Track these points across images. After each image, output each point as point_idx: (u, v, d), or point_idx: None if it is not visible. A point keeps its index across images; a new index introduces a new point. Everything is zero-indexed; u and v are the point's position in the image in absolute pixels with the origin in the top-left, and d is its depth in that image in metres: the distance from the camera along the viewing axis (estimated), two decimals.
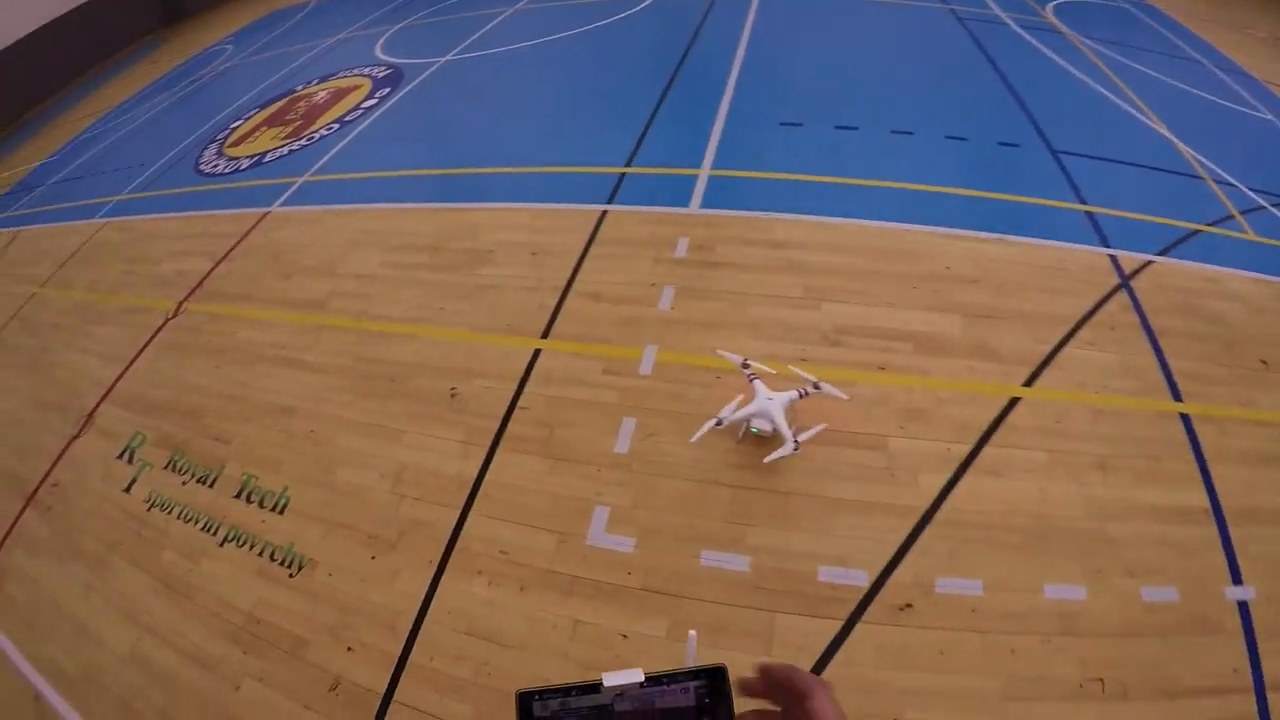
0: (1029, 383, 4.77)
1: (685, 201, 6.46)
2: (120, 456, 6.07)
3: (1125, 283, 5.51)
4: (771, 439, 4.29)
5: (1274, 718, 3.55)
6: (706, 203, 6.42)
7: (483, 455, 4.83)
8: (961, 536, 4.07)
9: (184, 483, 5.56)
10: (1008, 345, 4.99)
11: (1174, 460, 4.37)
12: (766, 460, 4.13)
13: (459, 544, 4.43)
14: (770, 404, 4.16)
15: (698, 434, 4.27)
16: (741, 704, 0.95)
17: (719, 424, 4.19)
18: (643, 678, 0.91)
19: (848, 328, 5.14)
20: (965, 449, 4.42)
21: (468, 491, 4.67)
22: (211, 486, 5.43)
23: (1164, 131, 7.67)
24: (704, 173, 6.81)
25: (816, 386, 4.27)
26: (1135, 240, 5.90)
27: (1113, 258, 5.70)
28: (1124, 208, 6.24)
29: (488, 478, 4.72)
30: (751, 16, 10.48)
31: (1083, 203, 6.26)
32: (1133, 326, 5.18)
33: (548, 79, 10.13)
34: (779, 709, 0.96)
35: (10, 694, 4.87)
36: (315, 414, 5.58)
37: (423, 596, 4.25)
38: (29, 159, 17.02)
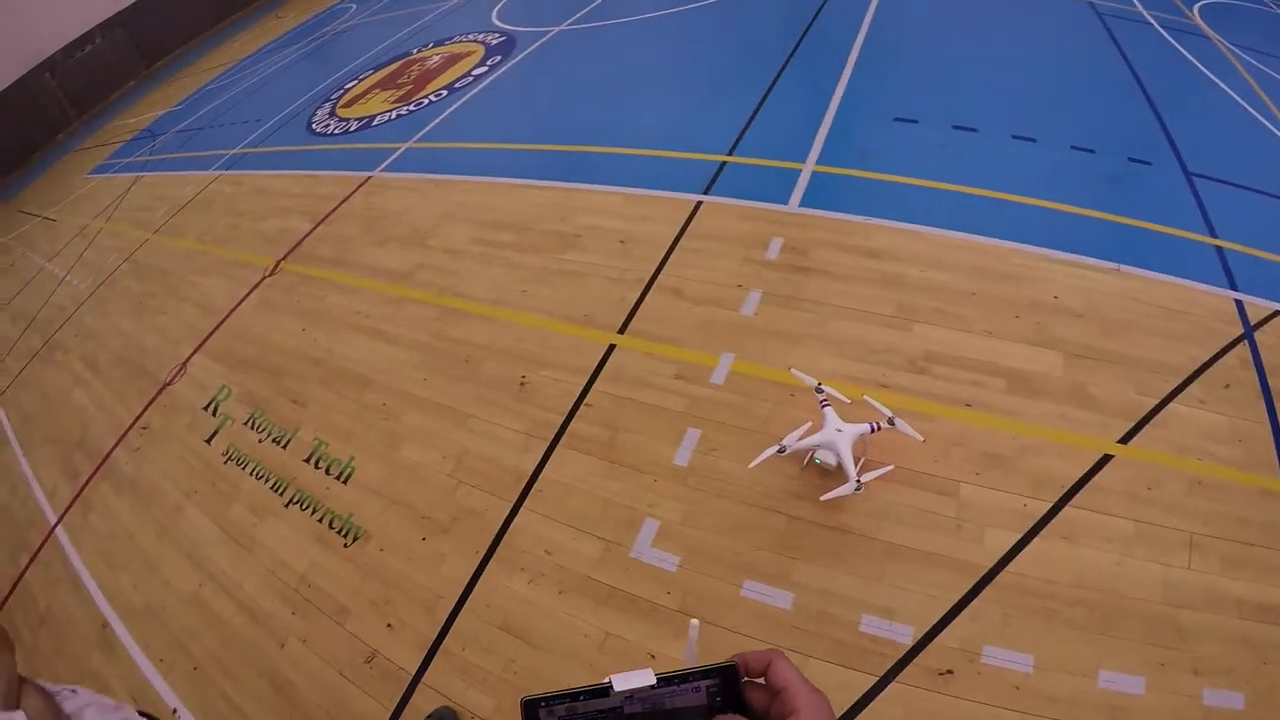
0: (1125, 439, 4.27)
1: (784, 198, 6.11)
2: (206, 408, 6.26)
3: (1249, 333, 4.91)
4: (835, 473, 3.98)
5: None
6: (807, 201, 6.05)
7: (543, 450, 4.70)
8: (1020, 604, 3.69)
9: (260, 440, 5.69)
10: (1108, 393, 4.50)
11: (1269, 548, 3.85)
12: (825, 498, 3.81)
13: (506, 538, 4.33)
14: (839, 437, 3.84)
15: (758, 459, 3.96)
16: None
17: (781, 451, 3.88)
18: (654, 679, 0.90)
19: (938, 355, 4.74)
20: (1043, 506, 3.99)
21: (523, 485, 4.55)
22: (285, 448, 5.52)
23: None
24: (808, 168, 6.44)
25: (891, 422, 3.91)
26: (1267, 285, 5.25)
27: (1238, 303, 5.09)
28: (1259, 245, 5.59)
29: (544, 474, 4.58)
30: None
31: (1213, 235, 5.63)
32: (1250, 385, 4.57)
33: (659, 54, 9.84)
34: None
35: (82, 620, 5.13)
36: (389, 387, 5.58)
37: (465, 585, 4.18)
38: (155, 107, 17.89)
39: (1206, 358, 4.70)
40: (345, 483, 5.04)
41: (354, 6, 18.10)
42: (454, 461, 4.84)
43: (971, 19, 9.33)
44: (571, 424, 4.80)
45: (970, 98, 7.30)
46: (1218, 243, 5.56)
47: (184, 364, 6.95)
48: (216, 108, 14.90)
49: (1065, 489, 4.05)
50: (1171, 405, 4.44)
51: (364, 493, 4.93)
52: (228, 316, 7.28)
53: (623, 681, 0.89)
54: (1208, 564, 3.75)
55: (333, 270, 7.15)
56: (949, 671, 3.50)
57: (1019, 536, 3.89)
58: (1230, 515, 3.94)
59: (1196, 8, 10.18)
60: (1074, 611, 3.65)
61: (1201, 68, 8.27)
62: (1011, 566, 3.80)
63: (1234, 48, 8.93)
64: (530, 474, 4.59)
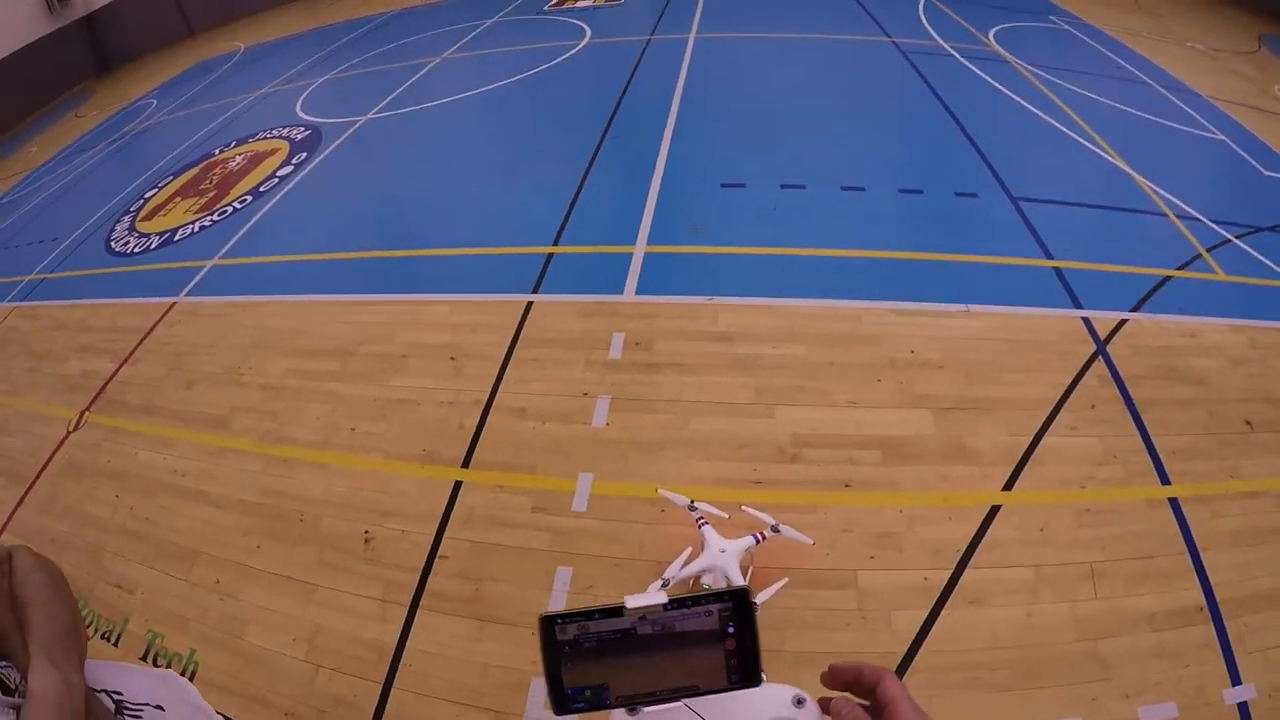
0: (1009, 485, 4.31)
1: (619, 287, 5.90)
2: None
3: (1101, 349, 5.10)
4: None
5: None
6: (643, 287, 5.86)
7: (402, 617, 4.25)
8: (943, 681, 3.62)
9: (89, 637, 4.92)
10: (983, 442, 4.52)
11: (1165, 555, 4.02)
12: None
13: None
14: (723, 558, 3.60)
15: (639, 601, 3.67)
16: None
17: (665, 585, 3.62)
18: (665, 599, 0.92)
19: (807, 437, 4.61)
20: (944, 576, 3.94)
21: (388, 662, 4.08)
22: (116, 645, 4.81)
23: (1121, 164, 7.33)
24: (639, 250, 6.26)
25: (776, 529, 3.75)
26: (1107, 296, 5.50)
27: (1086, 320, 5.29)
28: (1091, 258, 5.85)
29: (409, 644, 4.13)
30: (686, 62, 9.95)
31: (1049, 257, 5.83)
32: (1113, 402, 4.78)
33: (470, 140, 9.56)
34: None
35: None
36: (219, 560, 4.97)
37: None
38: None
39: (1068, 383, 4.85)
40: (191, 680, 4.41)
41: (154, 102, 16.95)
42: (306, 644, 4.32)
43: (781, 72, 9.53)
44: (429, 581, 4.37)
45: (793, 153, 7.37)
46: (1054, 264, 5.74)
47: None
48: (11, 225, 13.51)
49: (961, 552, 4.02)
50: (1045, 440, 4.53)
51: (214, 692, 4.29)
52: (33, 484, 6.43)
53: (635, 600, 0.92)
54: (1113, 588, 3.84)
55: (142, 420, 6.43)
56: None
57: (926, 613, 3.82)
58: (1123, 535, 4.05)
59: (991, 33, 10.76)
60: (997, 675, 3.62)
61: (1006, 91, 8.69)
62: (926, 645, 3.72)
63: (1031, 67, 9.44)
64: (394, 647, 4.14)
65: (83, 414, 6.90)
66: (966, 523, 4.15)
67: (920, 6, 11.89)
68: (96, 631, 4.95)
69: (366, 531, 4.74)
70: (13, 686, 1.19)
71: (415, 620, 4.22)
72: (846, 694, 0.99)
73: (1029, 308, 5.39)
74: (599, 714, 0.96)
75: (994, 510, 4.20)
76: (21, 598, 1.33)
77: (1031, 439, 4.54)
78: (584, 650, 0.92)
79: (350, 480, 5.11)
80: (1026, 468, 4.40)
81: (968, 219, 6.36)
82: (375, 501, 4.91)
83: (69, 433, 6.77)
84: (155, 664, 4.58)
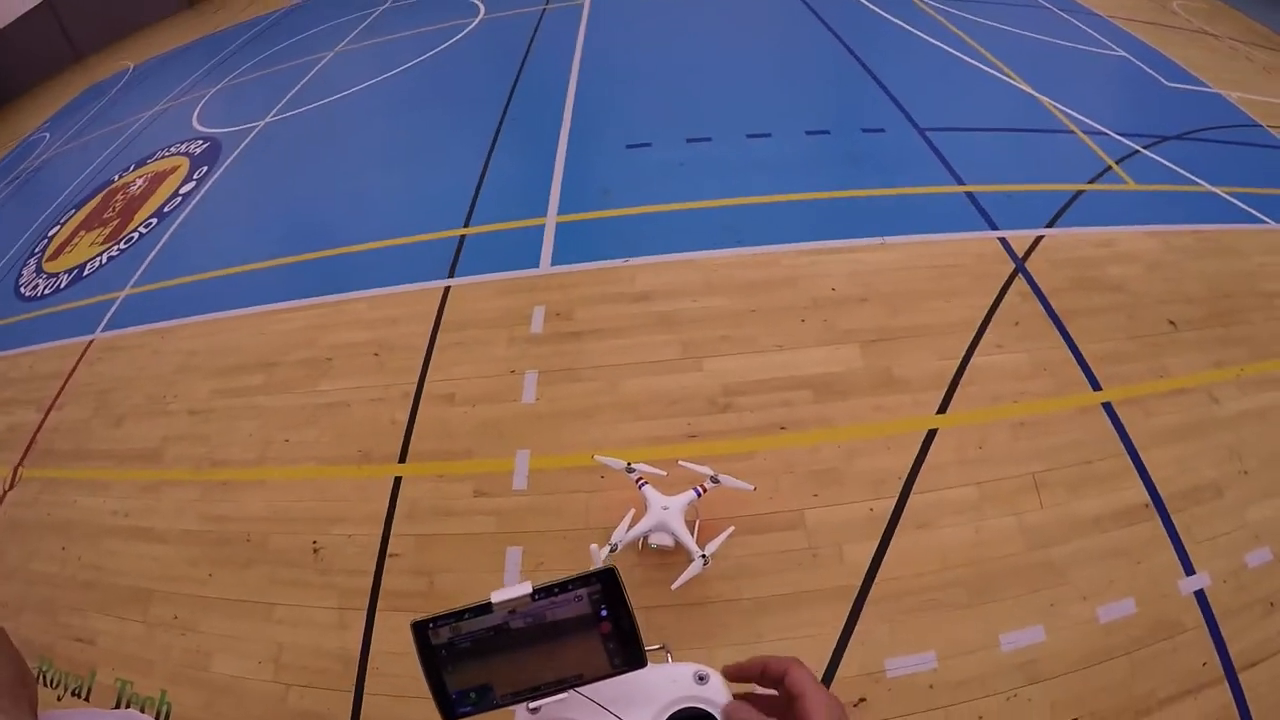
0: (943, 409, 4.39)
1: (534, 261, 5.85)
2: None
3: (1020, 266, 5.19)
4: (676, 551, 3.76)
5: (1250, 699, 3.43)
6: (559, 258, 5.82)
7: (362, 622, 4.23)
8: (902, 608, 3.70)
9: (59, 697, 4.83)
10: (912, 370, 4.58)
11: (1105, 458, 4.13)
12: (676, 585, 3.57)
13: None
14: (667, 515, 3.62)
15: (505, 594, 3.65)
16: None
17: (614, 550, 3.63)
18: (530, 589, 0.91)
19: (736, 386, 4.64)
20: (889, 505, 4.02)
21: (356, 669, 4.07)
22: (88, 699, 4.72)
23: (1024, 87, 7.43)
24: (550, 221, 6.20)
25: (715, 479, 3.77)
26: (1021, 215, 5.59)
27: (1002, 240, 5.37)
28: (1002, 180, 5.94)
29: (374, 648, 4.12)
30: (583, 27, 9.79)
31: (960, 183, 5.90)
32: (1037, 316, 4.88)
33: (373, 132, 9.32)
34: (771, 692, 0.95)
35: None
36: (173, 596, 4.89)
37: None
38: None
39: (990, 303, 4.93)
40: None
41: (47, 135, 16.26)
42: (272, 664, 4.28)
43: (679, 27, 9.42)
44: (383, 581, 4.35)
45: (697, 108, 7.32)
46: (966, 188, 5.80)
47: None
48: None
49: (903, 479, 4.10)
50: (973, 360, 4.62)
51: None
52: None
53: (500, 595, 0.91)
54: (1056, 496, 3.95)
55: (75, 467, 6.26)
56: (862, 700, 3.45)
57: (876, 543, 3.89)
58: (1061, 443, 4.16)
59: None
60: (953, 593, 3.71)
61: (905, 25, 8.70)
62: (880, 575, 3.79)
63: (929, 2, 9.43)
64: (359, 653, 4.12)
65: (16, 470, 6.70)
66: (905, 450, 4.22)
67: None
68: (66, 689, 4.84)
69: (314, 542, 4.69)
70: None
71: (375, 623, 4.21)
72: (749, 691, 0.98)
73: (945, 234, 5.46)
74: (497, 715, 0.94)
75: (931, 434, 4.27)
76: None
77: (960, 361, 4.62)
78: (460, 651, 0.91)
79: (290, 493, 5.05)
80: (958, 390, 4.48)
81: (877, 154, 6.39)
82: (318, 510, 4.85)
83: (5, 491, 6.57)
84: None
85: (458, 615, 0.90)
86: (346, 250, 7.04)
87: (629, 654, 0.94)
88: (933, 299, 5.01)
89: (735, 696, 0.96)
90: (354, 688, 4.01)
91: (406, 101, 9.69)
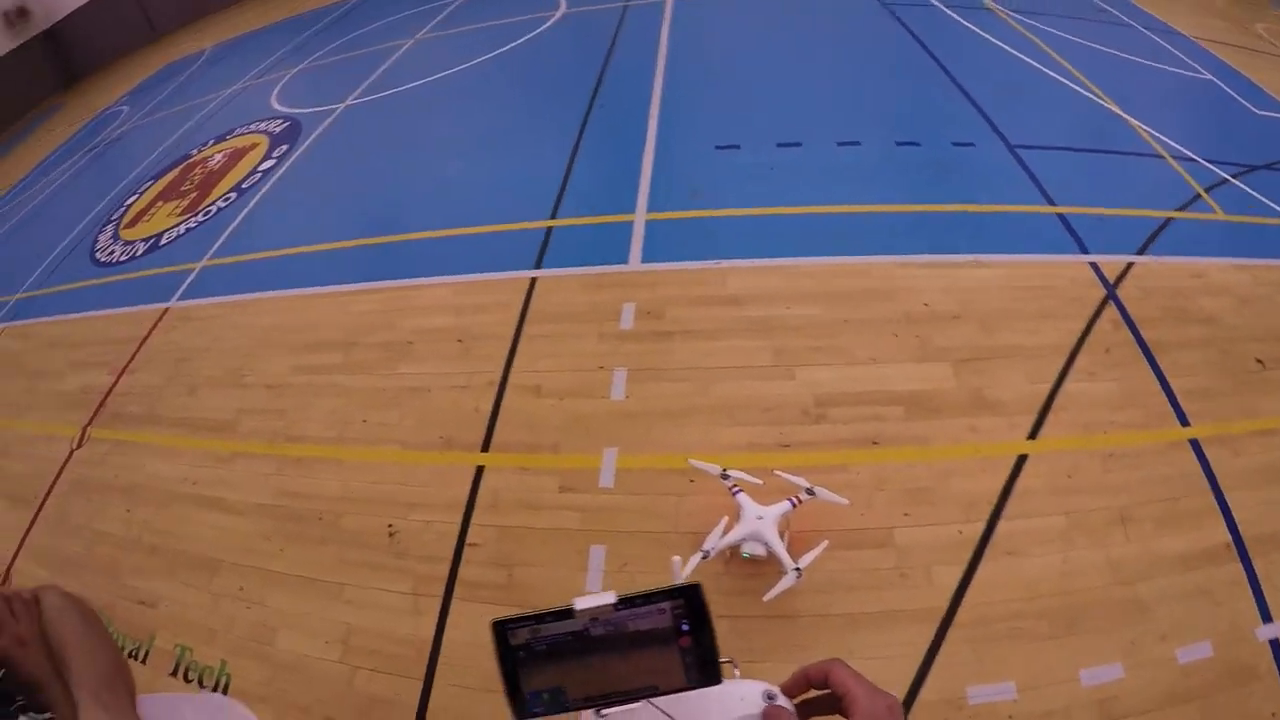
0: (1034, 434, 4.24)
1: (624, 257, 5.77)
2: None
3: (1111, 293, 5.02)
4: (767, 561, 3.64)
5: None
6: (648, 255, 5.73)
7: (437, 609, 4.15)
8: (987, 635, 3.58)
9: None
10: (1005, 392, 4.44)
11: (1191, 496, 3.99)
12: (768, 598, 3.46)
13: None
14: (762, 525, 3.51)
15: (684, 572, 3.58)
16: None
17: (705, 557, 3.52)
18: (615, 599, 0.91)
19: (830, 397, 4.51)
20: (978, 528, 3.88)
21: (427, 657, 3.98)
22: (145, 662, 4.70)
23: (1112, 107, 7.22)
24: (639, 217, 6.11)
25: (811, 492, 3.66)
26: (1112, 240, 5.43)
27: (1094, 265, 5.21)
28: (1093, 202, 5.77)
29: (447, 637, 4.03)
30: (666, 25, 9.70)
31: (1051, 203, 5.73)
32: (1128, 345, 4.71)
33: (454, 121, 9.33)
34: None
35: None
36: (242, 567, 4.86)
37: None
38: None
39: (1082, 328, 4.78)
40: (224, 693, 4.32)
41: (125, 109, 16.59)
42: (340, 644, 4.21)
43: (764, 30, 9.30)
44: (460, 571, 4.27)
45: (786, 111, 7.21)
46: (1057, 209, 5.64)
47: (7, 574, 5.97)
48: None
49: (994, 503, 3.97)
50: (1065, 386, 4.46)
51: (250, 703, 4.06)
52: (42, 506, 6.31)
53: (584, 602, 0.90)
54: (1143, 531, 3.81)
55: (146, 431, 6.29)
56: None
57: (964, 567, 3.77)
58: (1148, 478, 4.00)
59: None
60: (1038, 624, 3.59)
61: (993, 39, 8.51)
62: (966, 600, 3.67)
63: (1014, 14, 9.25)
64: (431, 641, 4.04)
65: (85, 430, 6.76)
66: (996, 474, 4.09)
67: None
68: (124, 651, 4.84)
69: (390, 525, 4.63)
70: None
71: (450, 612, 4.13)
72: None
73: (1037, 255, 5.32)
74: (564, 717, 0.94)
75: (1022, 460, 4.14)
76: (57, 642, 1.32)
77: (1052, 386, 4.48)
78: (538, 654, 0.92)
79: (368, 474, 5.00)
80: (1049, 415, 4.34)
81: (967, 168, 6.25)
82: (396, 494, 4.80)
83: (73, 450, 6.64)
84: (186, 679, 4.49)
85: (539, 618, 0.91)
86: (427, 235, 7.02)
87: (705, 670, 0.94)
88: (1025, 320, 4.87)
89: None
90: (424, 676, 3.92)
91: (488, 92, 9.67)
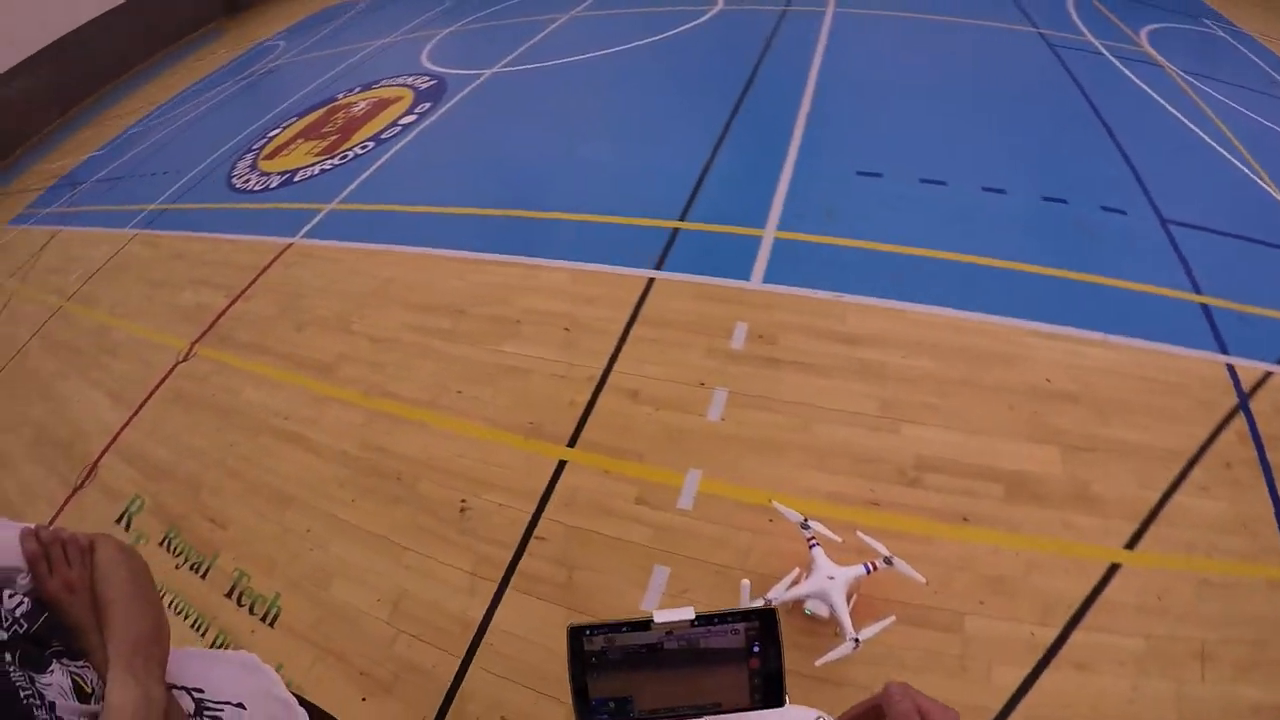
0: (1132, 544, 3.86)
1: (746, 273, 5.57)
2: (119, 521, 5.57)
3: (1244, 402, 4.53)
4: (826, 623, 3.44)
5: None
6: (771, 275, 5.51)
7: (491, 593, 4.09)
8: None
9: (177, 566, 5.01)
10: (1111, 491, 4.07)
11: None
12: (820, 663, 3.27)
13: (456, 702, 3.72)
14: (831, 585, 3.31)
15: (667, 616, 3.37)
16: None
17: (768, 604, 3.33)
18: (693, 615, 0.94)
19: (930, 461, 4.24)
20: (1051, 634, 3.56)
21: (470, 638, 3.94)
22: (204, 577, 4.84)
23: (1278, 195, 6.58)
24: (768, 234, 5.91)
25: (889, 561, 3.44)
26: (1254, 343, 4.90)
27: (1230, 368, 4.72)
28: (1241, 298, 5.25)
29: (494, 623, 3.97)
30: (824, 37, 9.42)
31: (1196, 291, 5.26)
32: (1250, 464, 4.22)
33: (600, 101, 9.27)
34: None
35: None
36: (314, 508, 4.93)
37: None
38: (79, 150, 16.89)
39: (1205, 436, 4.34)
40: (272, 625, 4.39)
41: (282, 44, 17.25)
42: (390, 606, 4.21)
43: (923, 55, 8.96)
44: (521, 561, 4.20)
45: (934, 144, 6.88)
46: (1202, 299, 5.21)
47: (94, 465, 6.22)
48: (138, 155, 14.01)
49: (1074, 610, 3.65)
50: (1175, 497, 4.06)
51: (292, 639, 4.28)
52: (140, 409, 6.56)
53: (663, 615, 0.94)
54: (1220, 672, 3.44)
55: (250, 358, 6.46)
56: None
57: (1028, 671, 3.47)
58: (1240, 615, 3.62)
59: (1143, 33, 9.94)
60: None
61: (1158, 98, 7.97)
62: (1022, 705, 3.38)
63: (1184, 74, 8.67)
64: (479, 623, 3.98)
65: (193, 345, 7.00)
66: (1083, 578, 3.76)
67: None
68: (186, 561, 5.00)
69: (463, 500, 4.60)
70: (89, 690, 1.21)
71: (503, 599, 4.06)
72: None
73: (1171, 345, 4.85)
74: None
75: (1113, 569, 3.78)
76: (102, 596, 1.36)
77: (1161, 495, 4.07)
78: (609, 662, 0.93)
79: (452, 445, 4.97)
80: (1152, 526, 3.95)
81: (1114, 237, 5.80)
82: (475, 470, 4.76)
83: (178, 362, 6.87)
84: (239, 603, 4.59)
85: (615, 627, 0.93)
86: (555, 216, 6.98)
87: (770, 692, 0.96)
88: (1146, 415, 4.46)
89: None
90: (463, 655, 3.88)
91: (635, 78, 9.59)
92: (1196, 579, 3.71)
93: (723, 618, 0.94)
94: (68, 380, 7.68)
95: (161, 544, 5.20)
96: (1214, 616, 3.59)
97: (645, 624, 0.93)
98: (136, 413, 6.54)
